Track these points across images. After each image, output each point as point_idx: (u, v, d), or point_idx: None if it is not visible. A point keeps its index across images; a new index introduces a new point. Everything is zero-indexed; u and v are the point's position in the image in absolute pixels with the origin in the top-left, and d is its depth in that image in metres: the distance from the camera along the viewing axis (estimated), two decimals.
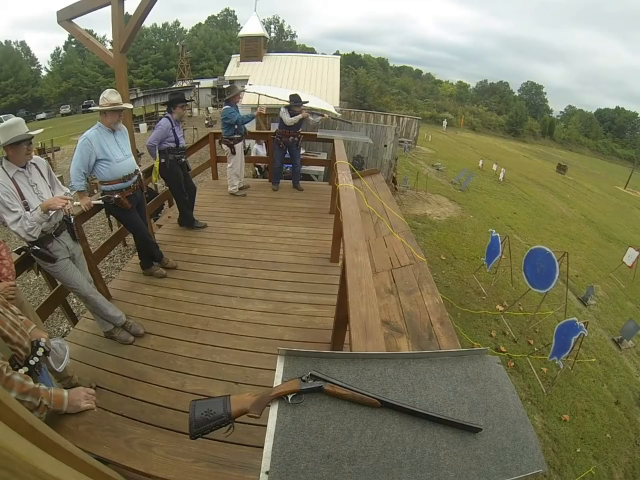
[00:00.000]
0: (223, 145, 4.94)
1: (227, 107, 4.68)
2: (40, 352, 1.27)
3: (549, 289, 4.90)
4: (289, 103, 5.06)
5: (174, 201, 4.33)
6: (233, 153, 4.85)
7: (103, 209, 2.89)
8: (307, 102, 5.32)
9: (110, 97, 2.58)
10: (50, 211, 1.95)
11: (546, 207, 13.29)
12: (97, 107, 2.60)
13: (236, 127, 4.73)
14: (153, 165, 3.72)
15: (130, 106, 3.11)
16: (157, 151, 3.63)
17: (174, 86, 31.89)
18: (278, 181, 5.49)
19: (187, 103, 4.07)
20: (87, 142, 2.53)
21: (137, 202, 2.93)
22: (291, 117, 4.93)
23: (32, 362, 1.23)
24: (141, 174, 2.97)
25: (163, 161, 3.66)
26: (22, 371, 1.18)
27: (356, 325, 1.21)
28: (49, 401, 1.19)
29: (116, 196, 2.70)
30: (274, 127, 5.91)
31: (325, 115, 5.46)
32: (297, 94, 5.19)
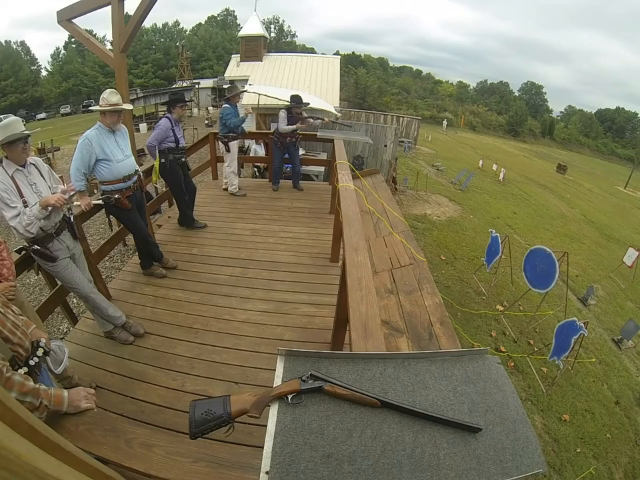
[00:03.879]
0: (219, 143, 4.97)
1: (226, 106, 4.70)
2: (40, 352, 1.27)
3: (548, 289, 4.90)
4: (289, 103, 5.06)
5: (174, 200, 4.33)
6: (228, 150, 4.87)
7: (103, 209, 2.90)
8: (308, 103, 5.30)
9: (109, 97, 2.57)
10: (48, 207, 1.95)
11: (546, 207, 13.28)
12: (97, 107, 2.60)
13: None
14: (153, 165, 3.72)
15: (129, 107, 3.10)
16: (157, 151, 3.63)
17: (174, 86, 31.90)
18: (278, 181, 5.48)
19: (187, 103, 4.08)
20: (87, 142, 2.53)
21: (136, 202, 2.93)
22: (292, 116, 4.92)
23: (32, 362, 1.23)
24: (141, 174, 2.97)
25: (163, 160, 3.66)
26: (22, 371, 1.18)
27: (356, 325, 1.21)
28: (49, 401, 1.19)
29: (116, 196, 2.70)
30: (274, 127, 5.91)
31: (326, 119, 5.43)
32: (298, 95, 5.16)
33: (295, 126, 4.97)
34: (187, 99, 4.08)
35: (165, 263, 3.32)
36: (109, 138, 2.63)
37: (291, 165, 5.68)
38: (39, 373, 1.27)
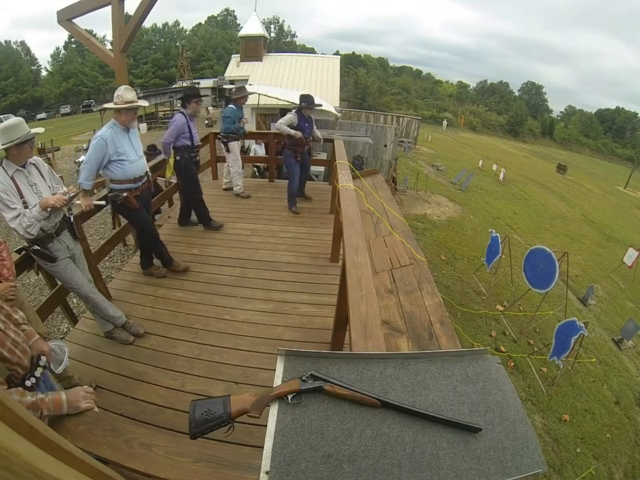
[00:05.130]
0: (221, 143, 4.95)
1: (231, 106, 4.70)
2: (38, 373, 1.23)
3: (549, 289, 4.90)
4: (288, 103, 5.00)
5: (183, 199, 4.26)
6: (227, 150, 4.85)
7: (110, 207, 2.86)
8: (320, 105, 5.01)
9: (125, 94, 2.51)
10: (48, 208, 1.95)
11: (546, 207, 13.29)
12: (111, 105, 2.54)
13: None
14: (167, 161, 3.68)
15: (145, 103, 2.98)
16: (172, 148, 3.60)
17: (174, 86, 31.89)
18: (295, 203, 4.72)
19: (202, 98, 4.02)
20: (102, 143, 2.48)
21: (143, 202, 2.90)
22: (304, 117, 4.36)
23: (28, 383, 1.18)
24: (150, 175, 2.96)
25: (178, 158, 3.62)
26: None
27: (356, 325, 1.21)
28: (48, 409, 1.17)
29: (124, 194, 2.68)
30: (274, 127, 5.87)
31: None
32: (309, 95, 4.58)
33: (294, 132, 4.27)
34: (201, 94, 3.95)
35: (176, 266, 3.24)
36: (123, 137, 2.59)
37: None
38: (36, 388, 1.24)
